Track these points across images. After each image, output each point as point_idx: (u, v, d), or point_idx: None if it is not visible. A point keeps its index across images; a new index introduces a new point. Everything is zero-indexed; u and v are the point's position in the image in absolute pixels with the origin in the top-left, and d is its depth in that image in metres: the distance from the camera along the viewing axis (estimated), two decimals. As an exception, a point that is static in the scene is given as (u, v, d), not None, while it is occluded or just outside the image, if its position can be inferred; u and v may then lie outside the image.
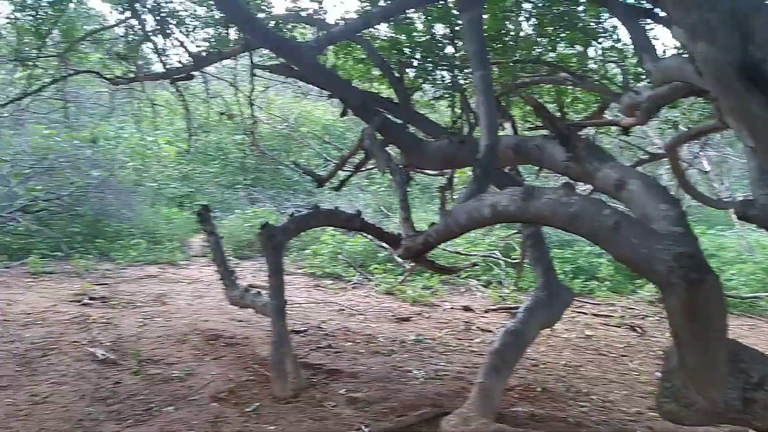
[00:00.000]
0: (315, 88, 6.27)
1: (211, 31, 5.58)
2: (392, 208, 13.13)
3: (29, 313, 5.87)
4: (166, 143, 11.82)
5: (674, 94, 4.29)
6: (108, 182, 10.56)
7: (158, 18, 5.55)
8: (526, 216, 2.68)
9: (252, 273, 9.59)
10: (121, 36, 6.30)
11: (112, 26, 6.32)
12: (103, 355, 4.57)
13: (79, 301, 6.56)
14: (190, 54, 5.16)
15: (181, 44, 5.18)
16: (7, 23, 6.86)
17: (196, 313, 6.27)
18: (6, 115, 9.00)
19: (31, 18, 6.19)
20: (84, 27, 6.90)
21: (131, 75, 6.02)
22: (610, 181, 2.82)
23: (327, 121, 16.64)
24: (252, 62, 5.69)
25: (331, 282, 9.25)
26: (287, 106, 15.94)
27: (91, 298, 6.68)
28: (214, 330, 5.48)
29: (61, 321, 5.63)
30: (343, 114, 4.69)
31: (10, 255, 8.81)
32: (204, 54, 5.39)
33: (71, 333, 5.22)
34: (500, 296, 8.78)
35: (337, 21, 5.01)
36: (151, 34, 5.71)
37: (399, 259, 8.47)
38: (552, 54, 5.74)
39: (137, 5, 5.51)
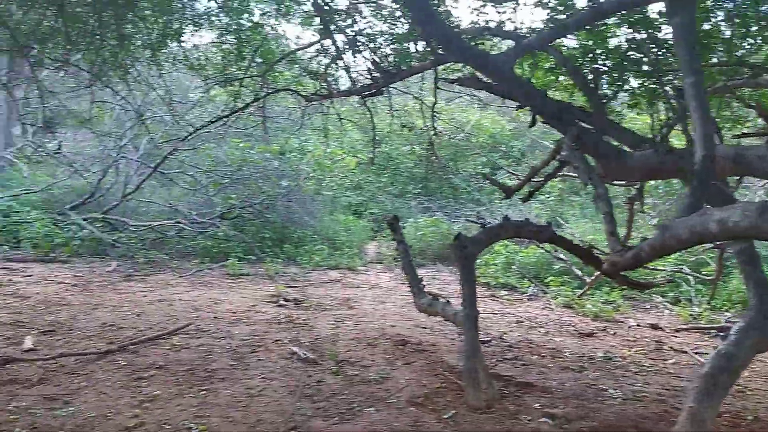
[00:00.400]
0: (496, 98, 6.24)
1: (397, 46, 5.81)
2: (564, 218, 12.78)
3: (234, 312, 6.46)
4: (346, 155, 12.44)
5: None
6: (294, 191, 11.31)
7: (349, 37, 5.85)
8: (761, 233, 2.50)
9: (427, 281, 9.79)
10: (314, 55, 6.76)
11: (307, 46, 6.76)
12: (305, 354, 4.92)
13: (275, 302, 7.10)
14: (381, 70, 5.38)
15: (374, 61, 5.41)
16: (213, 46, 7.66)
17: (383, 318, 6.53)
18: (210, 131, 9.94)
19: (234, 41, 6.86)
20: (280, 49, 7.50)
21: (324, 92, 6.40)
22: None
23: (494, 130, 16.60)
24: (436, 76, 5.83)
25: (506, 293, 9.16)
26: (460, 115, 16.11)
27: (285, 300, 7.20)
28: (401, 335, 5.68)
29: (263, 320, 6.13)
30: (532, 124, 4.67)
31: (211, 257, 9.75)
32: (393, 70, 5.60)
33: (274, 332, 5.67)
34: (691, 315, 8.19)
35: (526, 32, 4.99)
36: (342, 52, 6.04)
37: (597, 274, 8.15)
38: (756, 56, 5.30)
39: (330, 26, 5.84)
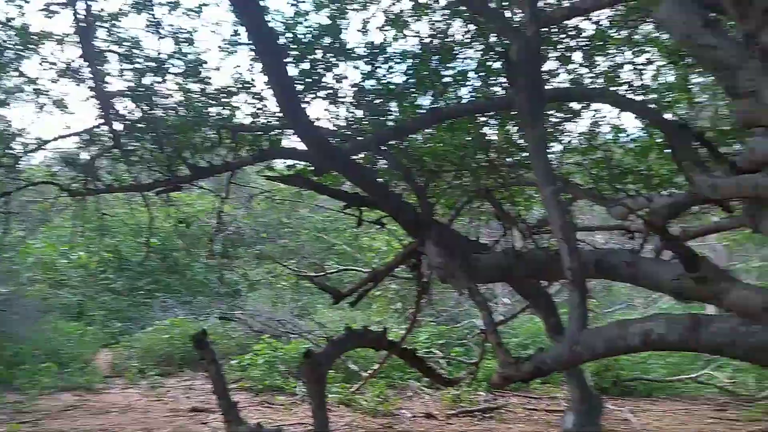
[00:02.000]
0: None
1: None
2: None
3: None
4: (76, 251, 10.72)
5: (693, 202, 4.45)
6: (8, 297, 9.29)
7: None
8: (692, 345, 2.53)
9: (183, 392, 8.69)
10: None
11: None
12: None
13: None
14: (188, 165, 4.66)
15: (180, 156, 4.66)
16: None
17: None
18: None
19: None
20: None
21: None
22: (753, 303, 2.76)
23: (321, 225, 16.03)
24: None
25: (282, 397, 8.49)
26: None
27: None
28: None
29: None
30: (359, 224, 4.46)
31: None
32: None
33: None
34: (454, 398, 8.52)
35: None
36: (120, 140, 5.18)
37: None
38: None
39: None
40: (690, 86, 5.63)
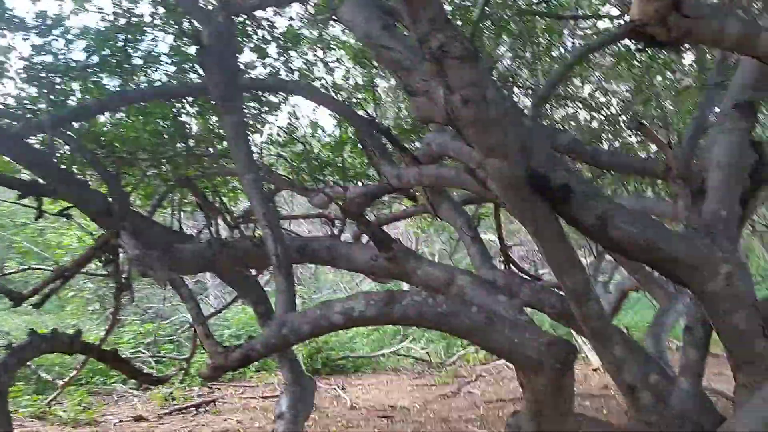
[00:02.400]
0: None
1: None
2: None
3: None
4: None
5: (384, 191, 4.83)
6: None
7: None
8: (388, 319, 2.69)
9: None
10: None
11: None
12: None
13: None
14: None
15: None
16: None
17: None
18: None
19: None
20: None
21: None
22: (436, 278, 3.04)
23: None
24: None
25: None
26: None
27: None
28: None
29: None
30: (39, 216, 3.93)
31: None
32: None
33: None
34: (166, 397, 8.14)
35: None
36: None
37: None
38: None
39: None
40: (375, 86, 6.11)
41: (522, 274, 4.85)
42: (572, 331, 5.67)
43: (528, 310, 3.53)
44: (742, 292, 2.97)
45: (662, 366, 3.62)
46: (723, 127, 3.30)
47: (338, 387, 9.57)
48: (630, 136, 8.03)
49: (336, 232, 3.79)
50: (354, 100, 5.98)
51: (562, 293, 3.67)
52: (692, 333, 3.44)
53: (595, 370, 10.70)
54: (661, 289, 5.26)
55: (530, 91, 6.58)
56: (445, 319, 2.59)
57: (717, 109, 3.89)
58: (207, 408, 8.06)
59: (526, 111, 4.02)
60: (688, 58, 6.87)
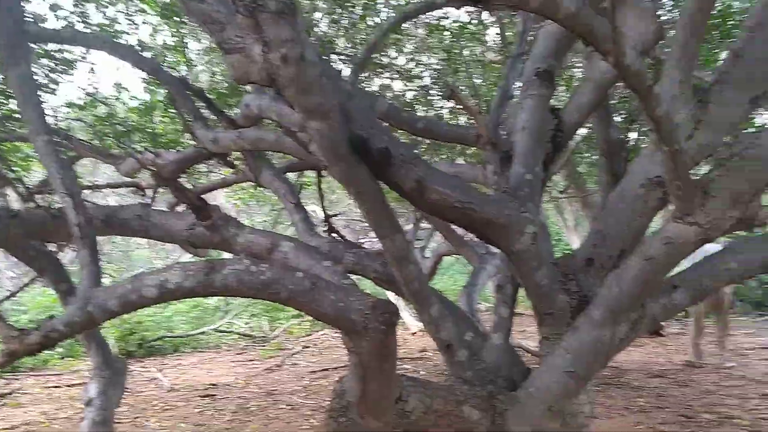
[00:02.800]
0: None
1: None
2: None
3: None
4: None
5: (200, 157, 4.60)
6: None
7: None
8: (209, 290, 2.53)
9: None
10: None
11: None
12: None
13: None
14: None
15: None
16: None
17: None
18: None
19: None
20: None
21: None
22: (258, 245, 2.92)
23: None
24: None
25: None
26: None
27: None
28: None
29: None
30: None
31: None
32: None
33: None
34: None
35: None
36: None
37: None
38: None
39: None
40: (186, 47, 5.77)
41: (345, 242, 4.87)
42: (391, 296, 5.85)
43: (354, 277, 3.54)
44: (545, 252, 3.22)
45: (475, 324, 3.84)
46: (526, 95, 3.51)
47: (155, 369, 9.09)
48: (442, 107, 8.40)
49: (149, 200, 3.50)
50: (163, 62, 5.58)
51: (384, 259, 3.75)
52: (503, 291, 3.67)
53: (413, 333, 11.24)
54: (473, 253, 5.59)
55: (347, 59, 6.60)
56: (269, 286, 2.49)
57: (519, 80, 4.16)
58: (5, 401, 7.27)
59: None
60: (492, 32, 7.31)
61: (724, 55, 6.77)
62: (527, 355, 6.60)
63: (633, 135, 6.66)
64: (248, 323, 12.50)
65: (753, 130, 7.18)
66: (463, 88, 6.89)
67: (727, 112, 3.01)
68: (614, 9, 1.93)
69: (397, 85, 8.06)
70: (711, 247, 3.46)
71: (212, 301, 14.09)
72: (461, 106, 4.12)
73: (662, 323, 10.61)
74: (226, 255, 3.66)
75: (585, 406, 3.42)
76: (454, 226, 6.07)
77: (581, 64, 6.37)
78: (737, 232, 3.44)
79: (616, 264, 3.16)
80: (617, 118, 7.28)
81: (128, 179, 4.92)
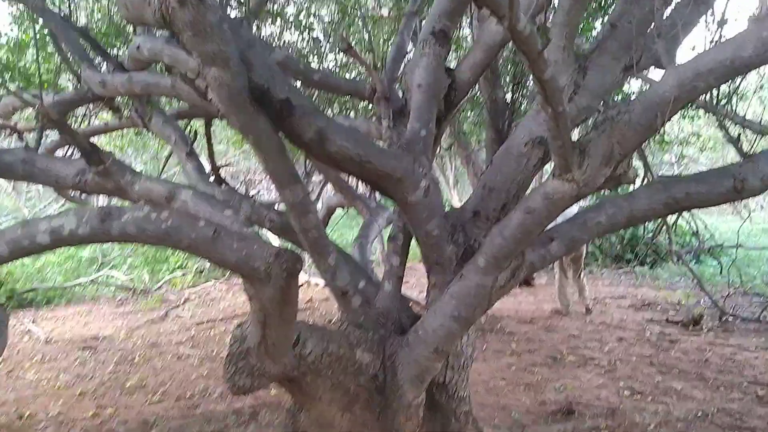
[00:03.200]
0: None
1: None
2: None
3: None
4: None
5: (82, 100, 4.40)
6: None
7: None
8: (105, 237, 2.48)
9: None
10: None
11: None
12: None
13: None
14: None
15: None
16: None
17: None
18: None
19: None
20: None
21: None
22: (156, 193, 2.87)
23: None
24: None
25: None
26: None
27: None
28: None
29: None
30: None
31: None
32: None
33: None
34: None
35: None
36: None
37: None
38: None
39: None
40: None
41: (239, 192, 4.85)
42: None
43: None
44: (436, 204, 3.39)
45: (368, 273, 4.00)
46: (422, 53, 3.62)
47: (28, 321, 8.63)
48: (334, 61, 8.39)
49: (32, 144, 3.30)
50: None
51: (279, 208, 3.80)
52: (395, 241, 3.84)
53: (300, 285, 11.34)
54: (364, 206, 5.73)
55: (240, 5, 6.42)
56: (170, 234, 2.48)
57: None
58: None
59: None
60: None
61: (599, 25, 7.23)
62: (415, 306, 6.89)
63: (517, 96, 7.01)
64: (128, 275, 12.07)
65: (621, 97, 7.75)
66: (356, 42, 6.93)
67: (604, 79, 3.30)
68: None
69: (289, 36, 7.95)
70: (569, 210, 3.81)
71: (87, 252, 13.45)
72: (356, 60, 4.17)
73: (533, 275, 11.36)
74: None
75: (467, 348, 3.70)
76: (344, 180, 6.18)
77: (472, 27, 6.57)
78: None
79: (500, 216, 3.40)
80: (503, 80, 7.62)
81: (1, 121, 4.58)
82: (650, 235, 10.04)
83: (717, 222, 18.67)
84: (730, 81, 4.52)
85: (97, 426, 4.37)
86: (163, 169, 5.46)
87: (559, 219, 3.32)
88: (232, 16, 6.28)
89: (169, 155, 6.62)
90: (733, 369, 5.63)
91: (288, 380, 3.18)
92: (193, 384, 5.50)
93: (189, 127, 5.91)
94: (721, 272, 9.00)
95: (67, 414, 4.69)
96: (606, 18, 4.98)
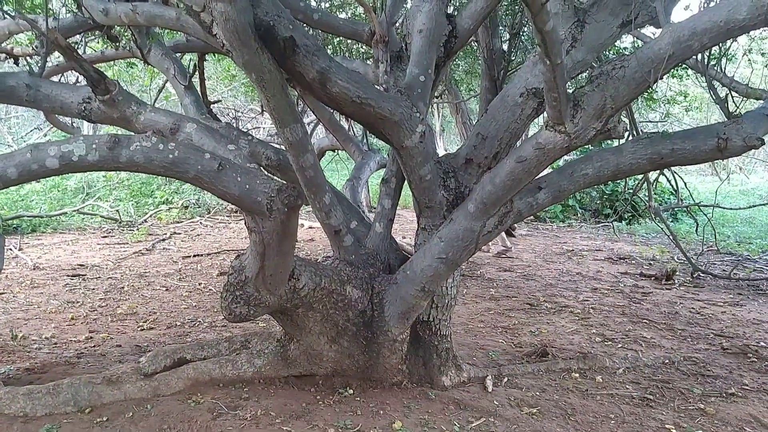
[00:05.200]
0: None
1: None
2: None
3: None
4: None
5: (80, 27, 4.39)
6: None
7: None
8: (113, 165, 2.56)
9: None
10: None
11: None
12: None
13: None
14: None
15: None
16: None
17: None
18: None
19: None
20: None
21: None
22: (161, 124, 2.94)
23: None
24: None
25: None
26: None
27: None
28: None
29: None
30: None
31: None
32: None
33: None
34: None
35: None
36: None
37: None
38: None
39: None
40: None
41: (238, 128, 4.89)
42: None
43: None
44: (430, 149, 3.49)
45: (360, 213, 4.12)
46: (424, -2, 3.65)
47: (14, 247, 8.70)
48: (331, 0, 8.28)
49: (36, 69, 3.32)
50: None
51: (276, 146, 3.87)
52: (388, 184, 3.95)
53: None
54: (357, 148, 5.80)
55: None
56: (176, 165, 2.57)
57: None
58: None
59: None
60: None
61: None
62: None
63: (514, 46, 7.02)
64: (114, 207, 12.10)
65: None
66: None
67: (600, 34, 3.38)
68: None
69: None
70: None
71: (72, 182, 13.41)
72: (356, 2, 4.19)
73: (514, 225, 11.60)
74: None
75: (452, 289, 3.87)
76: (337, 121, 6.23)
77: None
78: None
79: (491, 164, 3.52)
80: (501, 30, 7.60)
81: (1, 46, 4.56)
82: (630, 190, 10.25)
83: (696, 182, 19.00)
84: (721, 43, 4.60)
85: (90, 348, 4.52)
86: (154, 102, 5.46)
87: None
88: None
89: (162, 87, 6.61)
90: (700, 322, 5.90)
91: (280, 312, 3.33)
92: (182, 314, 5.65)
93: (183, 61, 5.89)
94: (696, 231, 9.25)
95: (60, 336, 4.83)
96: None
